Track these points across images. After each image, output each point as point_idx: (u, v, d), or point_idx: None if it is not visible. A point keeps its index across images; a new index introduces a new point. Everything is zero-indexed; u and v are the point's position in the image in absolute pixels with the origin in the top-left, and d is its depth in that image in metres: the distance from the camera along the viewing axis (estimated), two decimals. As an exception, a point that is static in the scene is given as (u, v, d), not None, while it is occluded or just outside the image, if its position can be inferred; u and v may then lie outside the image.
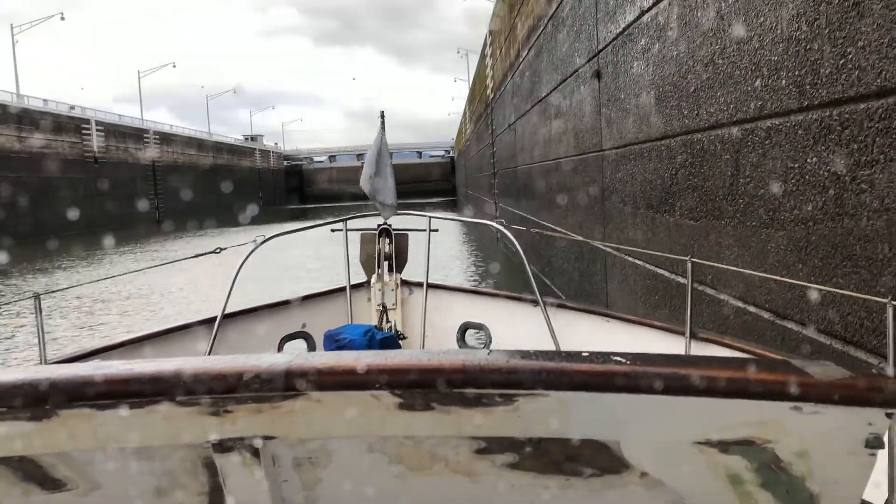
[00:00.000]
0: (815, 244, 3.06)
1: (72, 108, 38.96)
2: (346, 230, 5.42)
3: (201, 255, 4.81)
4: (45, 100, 36.81)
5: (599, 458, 1.30)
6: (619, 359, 1.14)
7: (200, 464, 1.36)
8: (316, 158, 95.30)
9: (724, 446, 1.22)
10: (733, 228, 3.89)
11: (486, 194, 25.63)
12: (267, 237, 5.04)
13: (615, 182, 6.61)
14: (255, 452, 1.28)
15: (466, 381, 1.14)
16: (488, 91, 22.85)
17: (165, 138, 50.83)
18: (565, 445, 1.29)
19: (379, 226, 5.44)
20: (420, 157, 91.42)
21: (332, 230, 5.62)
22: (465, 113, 46.00)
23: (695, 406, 1.16)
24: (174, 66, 57.45)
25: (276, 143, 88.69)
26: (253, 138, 79.19)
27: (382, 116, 5.74)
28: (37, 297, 3.39)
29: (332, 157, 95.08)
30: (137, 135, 46.34)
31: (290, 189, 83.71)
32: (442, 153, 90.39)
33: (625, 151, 6.18)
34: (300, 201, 79.61)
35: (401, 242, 5.49)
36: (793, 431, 1.18)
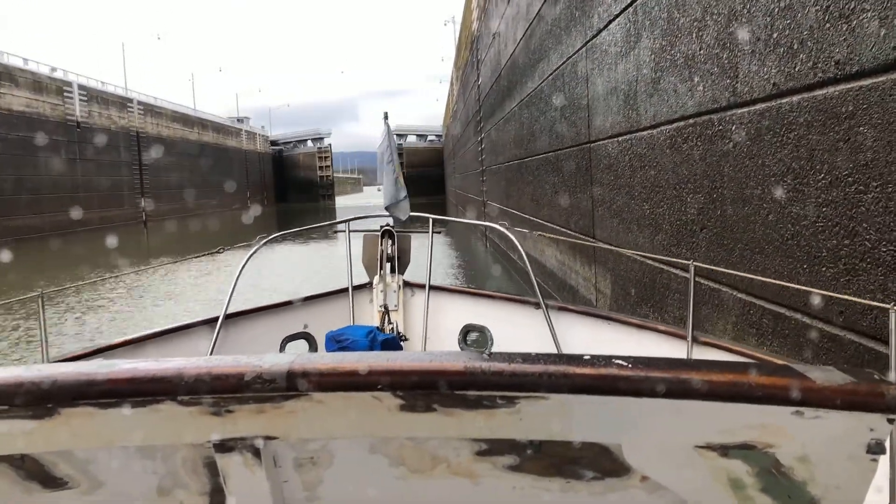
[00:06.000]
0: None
1: (53, 69, 38.42)
2: (349, 231, 5.45)
3: (204, 255, 4.86)
4: (25, 59, 36.25)
5: (601, 461, 1.30)
6: (620, 362, 1.14)
7: (202, 463, 1.36)
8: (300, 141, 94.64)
9: (725, 450, 1.22)
10: None
11: (472, 143, 25.43)
12: (268, 237, 5.08)
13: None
14: (257, 452, 1.28)
15: (468, 383, 1.14)
16: (472, 27, 22.65)
17: (150, 109, 50.31)
18: (566, 448, 1.29)
19: (382, 227, 5.45)
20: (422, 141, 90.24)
21: (335, 231, 5.81)
22: (451, 83, 45.81)
23: (696, 410, 1.16)
24: (158, 39, 56.71)
25: (262, 127, 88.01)
26: (239, 120, 78.51)
27: (386, 117, 5.63)
28: (41, 295, 3.39)
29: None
30: (121, 103, 45.83)
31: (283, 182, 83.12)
32: (433, 138, 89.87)
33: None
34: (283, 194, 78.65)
35: (403, 243, 5.49)
36: (794, 436, 1.17)
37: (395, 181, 5.45)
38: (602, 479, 1.34)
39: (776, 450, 1.20)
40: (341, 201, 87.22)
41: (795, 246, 3.26)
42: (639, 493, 1.35)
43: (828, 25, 2.90)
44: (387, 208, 5.49)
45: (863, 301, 2.61)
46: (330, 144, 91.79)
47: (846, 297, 2.71)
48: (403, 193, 5.50)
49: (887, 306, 1.99)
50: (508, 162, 14.59)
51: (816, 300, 3.00)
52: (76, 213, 35.47)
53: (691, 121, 4.44)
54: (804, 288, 3.00)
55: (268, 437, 1.27)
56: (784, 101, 3.28)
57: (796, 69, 3.15)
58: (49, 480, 1.42)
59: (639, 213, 5.65)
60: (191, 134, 58.25)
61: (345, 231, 5.50)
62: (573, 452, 1.30)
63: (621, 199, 6.13)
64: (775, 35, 3.32)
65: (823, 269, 3.04)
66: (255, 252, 4.93)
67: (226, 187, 62.67)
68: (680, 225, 4.75)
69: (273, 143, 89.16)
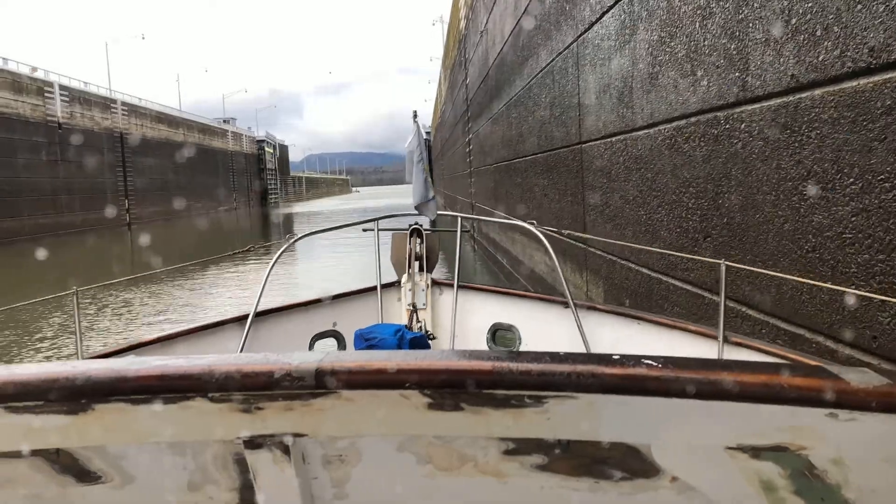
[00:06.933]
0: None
1: (34, 69, 37.70)
2: (378, 230, 5.47)
3: (235, 252, 4.93)
4: (4, 58, 35.50)
5: (630, 462, 1.30)
6: (650, 362, 1.13)
7: (231, 460, 1.37)
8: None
9: (757, 452, 1.21)
10: None
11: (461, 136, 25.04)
12: (299, 236, 5.20)
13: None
14: (286, 450, 1.29)
15: (496, 381, 1.13)
16: (460, 25, 22.26)
17: (134, 110, 49.61)
18: (595, 448, 1.29)
19: (410, 226, 5.46)
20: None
21: (364, 230, 5.65)
22: (439, 83, 45.41)
23: (727, 411, 1.14)
24: (143, 39, 56.06)
25: (248, 128, 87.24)
26: (226, 121, 77.74)
27: (415, 116, 5.51)
28: (76, 292, 3.41)
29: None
30: (104, 104, 45.13)
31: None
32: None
33: None
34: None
35: (431, 242, 5.49)
36: (828, 438, 1.15)
37: (424, 181, 5.34)
38: (631, 480, 1.33)
39: (809, 452, 1.17)
40: (304, 207, 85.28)
41: (818, 259, 2.88)
42: (668, 494, 1.33)
43: (859, 7, 2.51)
44: (416, 207, 5.43)
45: (892, 300, 2.48)
46: (262, 145, 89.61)
47: (884, 297, 2.52)
48: (432, 193, 5.44)
49: None
50: (497, 163, 14.20)
51: (852, 300, 2.83)
52: (57, 217, 34.83)
53: (693, 119, 4.06)
54: (839, 288, 2.81)
55: (297, 435, 1.27)
56: (804, 95, 2.90)
57: (819, 59, 2.77)
58: (83, 474, 1.43)
59: (634, 219, 5.27)
60: (176, 135, 57.58)
61: (374, 230, 5.49)
62: (602, 452, 1.29)
63: (615, 204, 5.75)
64: (794, 21, 2.94)
65: (853, 285, 2.66)
66: (284, 250, 4.97)
67: (211, 189, 62.05)
68: (680, 232, 4.37)
69: (259, 143, 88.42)
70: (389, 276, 5.49)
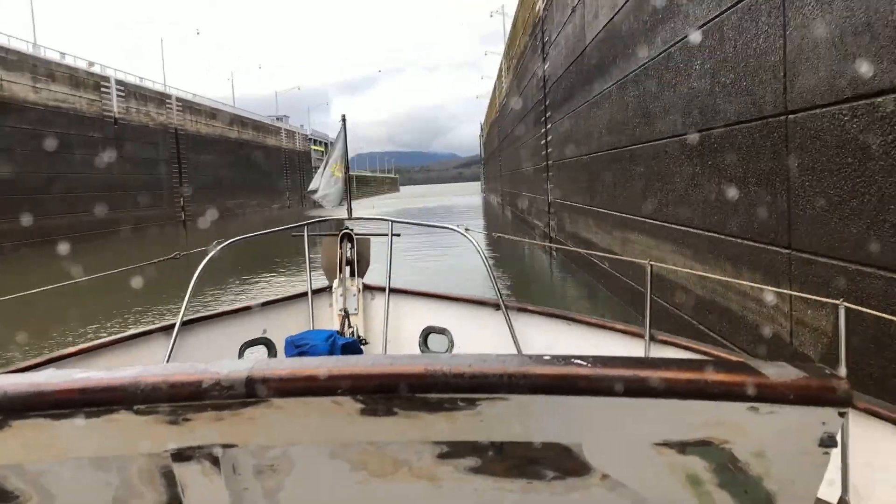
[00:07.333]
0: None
1: (91, 63, 37.28)
2: (307, 234, 5.44)
3: (160, 260, 4.82)
4: (62, 53, 35.10)
5: (561, 461, 1.30)
6: (579, 362, 1.14)
7: (159, 473, 1.32)
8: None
9: (683, 447, 1.22)
10: None
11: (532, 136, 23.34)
12: (225, 242, 5.00)
13: None
14: (215, 461, 1.25)
15: (429, 385, 1.13)
16: (537, 7, 20.58)
17: (188, 106, 49.17)
18: (527, 449, 1.29)
19: (340, 230, 5.41)
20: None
21: (293, 235, 5.59)
22: (498, 77, 43.84)
23: (654, 408, 1.16)
24: (198, 34, 55.75)
25: (301, 126, 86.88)
26: (279, 118, 77.45)
27: (343, 120, 5.71)
28: None
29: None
30: (159, 99, 44.69)
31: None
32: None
33: None
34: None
35: (362, 247, 5.47)
36: (749, 432, 1.18)
37: (331, 175, 5.59)
38: (563, 479, 1.32)
39: (732, 445, 1.19)
40: (354, 206, 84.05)
41: None
42: (599, 492, 1.32)
43: None
44: (315, 197, 5.51)
45: (814, 297, 2.73)
46: (309, 144, 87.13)
47: (798, 293, 2.77)
48: (334, 187, 5.57)
49: (836, 302, 2.11)
50: (594, 153, 12.54)
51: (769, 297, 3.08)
52: (113, 212, 34.30)
53: None
54: (757, 285, 3.05)
55: (226, 445, 1.23)
56: None
57: None
58: None
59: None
60: (230, 132, 57.12)
61: (303, 234, 5.41)
62: (534, 453, 1.28)
63: (871, 192, 4.08)
64: None
65: None
66: (210, 257, 4.85)
67: (265, 187, 61.62)
68: None
69: (307, 141, 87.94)
70: (320, 281, 5.44)
